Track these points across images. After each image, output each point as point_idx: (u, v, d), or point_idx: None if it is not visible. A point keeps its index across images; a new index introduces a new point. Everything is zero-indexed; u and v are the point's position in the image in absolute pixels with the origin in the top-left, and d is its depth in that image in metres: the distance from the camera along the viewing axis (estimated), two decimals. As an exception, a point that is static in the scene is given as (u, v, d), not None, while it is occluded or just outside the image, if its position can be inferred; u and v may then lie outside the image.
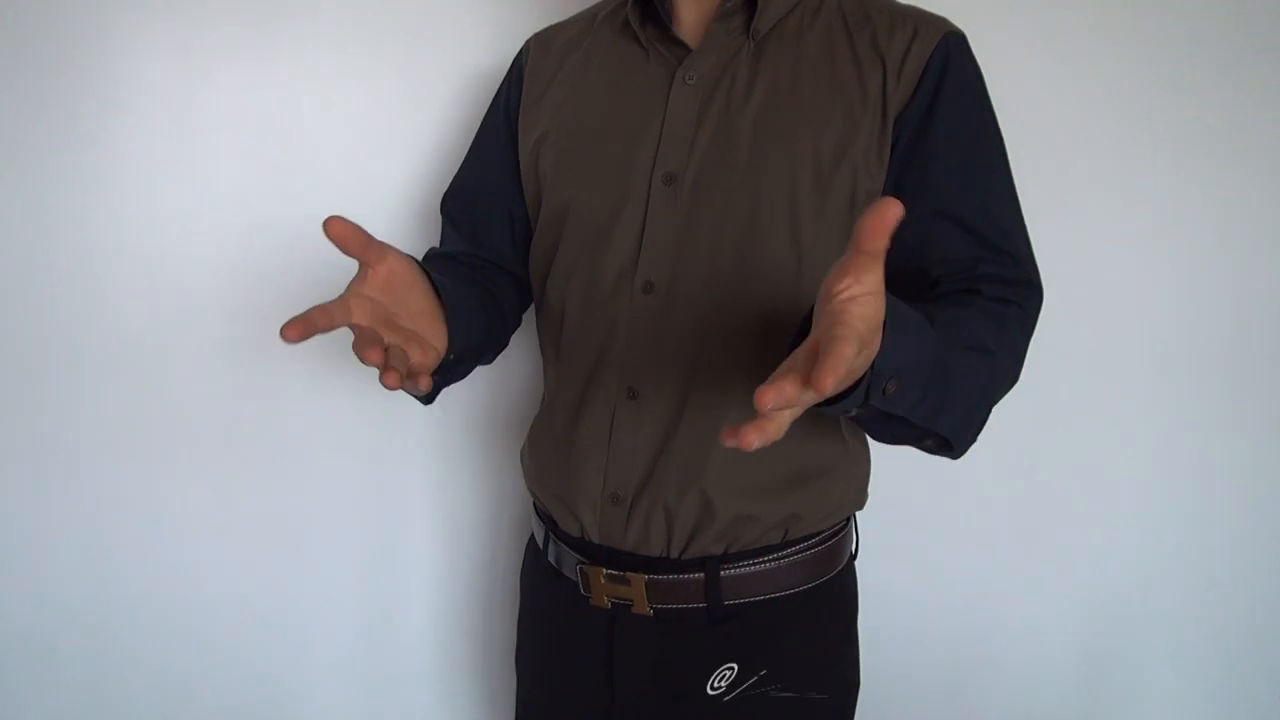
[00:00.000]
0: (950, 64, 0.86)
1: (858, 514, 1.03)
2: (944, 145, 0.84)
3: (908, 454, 1.29)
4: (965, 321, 0.76)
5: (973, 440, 0.80)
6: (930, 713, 1.40)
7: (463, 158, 1.12)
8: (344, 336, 1.17)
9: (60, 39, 1.07)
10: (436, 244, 1.13)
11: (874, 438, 0.82)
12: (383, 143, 1.19)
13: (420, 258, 1.08)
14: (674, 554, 0.88)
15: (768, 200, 0.84)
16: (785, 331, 0.84)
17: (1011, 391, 1.27)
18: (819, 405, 0.62)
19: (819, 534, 0.92)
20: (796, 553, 0.91)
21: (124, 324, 1.15)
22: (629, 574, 0.89)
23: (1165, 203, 1.31)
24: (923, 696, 1.40)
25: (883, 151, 0.85)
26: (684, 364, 0.87)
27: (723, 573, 0.87)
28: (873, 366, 0.61)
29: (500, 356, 1.23)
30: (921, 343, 0.66)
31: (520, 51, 1.04)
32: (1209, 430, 1.35)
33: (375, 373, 1.19)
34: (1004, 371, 0.81)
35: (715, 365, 0.86)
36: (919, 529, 1.35)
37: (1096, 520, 1.37)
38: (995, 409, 1.28)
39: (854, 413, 0.66)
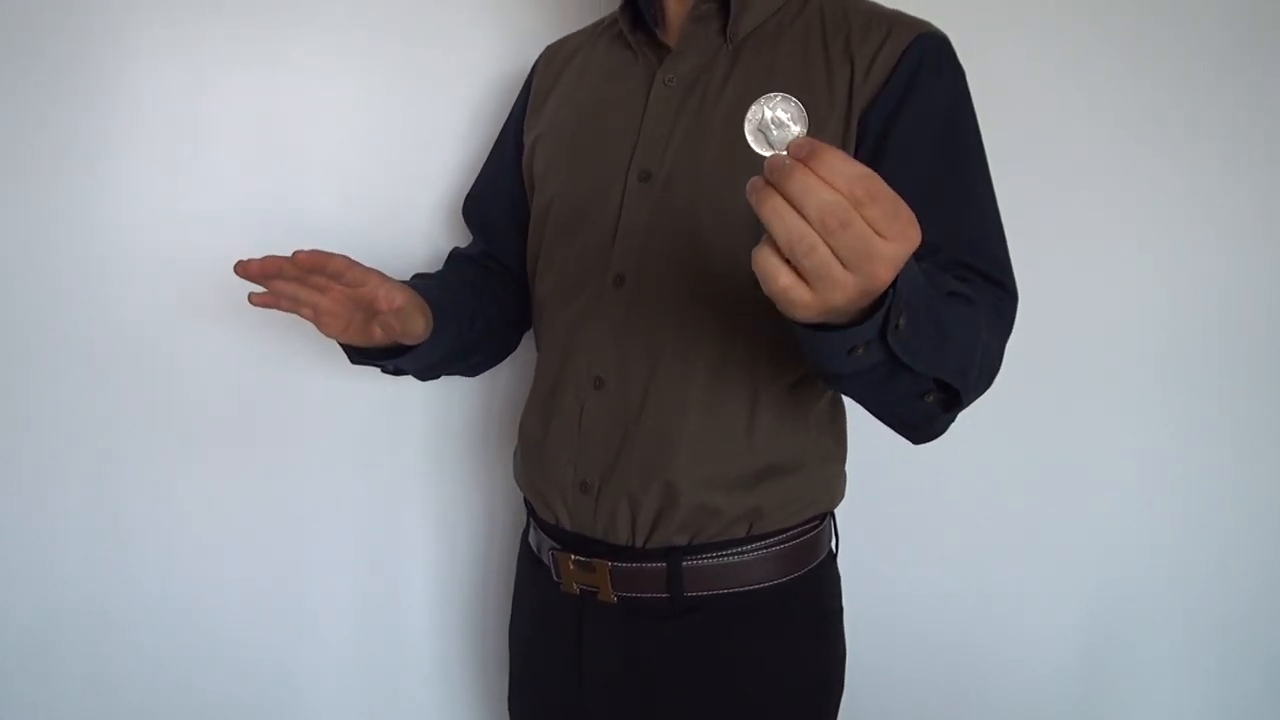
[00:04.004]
0: (925, 64, 0.85)
1: (848, 514, 1.02)
2: (914, 149, 0.83)
3: (904, 455, 1.31)
4: (942, 278, 0.73)
5: (974, 394, 0.74)
6: (929, 713, 1.40)
7: (473, 161, 1.17)
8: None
9: (64, 41, 1.09)
10: (444, 247, 1.19)
11: (865, 402, 0.76)
12: (390, 146, 1.21)
13: (444, 261, 1.14)
14: (639, 543, 0.88)
15: (733, 198, 0.83)
16: (747, 326, 0.85)
17: (1010, 391, 1.28)
18: (829, 330, 0.60)
19: (786, 531, 0.91)
20: (762, 548, 0.89)
21: (127, 324, 1.16)
22: (594, 560, 0.89)
23: (1160, 205, 1.29)
24: (921, 697, 1.39)
25: (847, 150, 0.83)
26: (650, 355, 0.88)
27: (685, 563, 0.87)
28: (894, 284, 0.57)
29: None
30: (917, 276, 0.62)
31: (534, 64, 1.09)
32: (1208, 428, 1.33)
33: (375, 372, 1.20)
34: (987, 325, 0.75)
35: (681, 357, 0.87)
36: (914, 530, 1.35)
37: (1096, 520, 1.35)
38: (994, 410, 1.30)
39: (860, 350, 0.61)
